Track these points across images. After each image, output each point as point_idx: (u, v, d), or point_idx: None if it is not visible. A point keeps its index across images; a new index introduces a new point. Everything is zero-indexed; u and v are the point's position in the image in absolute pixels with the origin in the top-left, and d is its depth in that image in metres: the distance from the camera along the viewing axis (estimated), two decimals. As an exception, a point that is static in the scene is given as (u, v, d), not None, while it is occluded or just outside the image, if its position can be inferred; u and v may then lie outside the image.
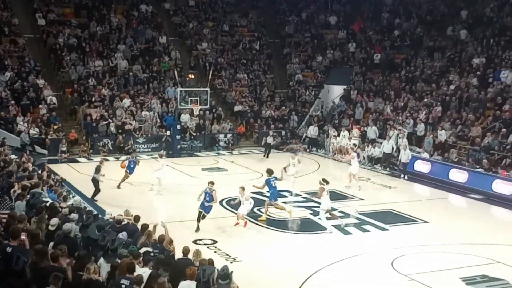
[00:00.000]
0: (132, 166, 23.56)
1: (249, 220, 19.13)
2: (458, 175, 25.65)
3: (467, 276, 15.22)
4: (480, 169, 25.34)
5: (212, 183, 18.41)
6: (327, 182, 19.22)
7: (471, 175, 25.18)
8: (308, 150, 33.63)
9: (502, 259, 16.43)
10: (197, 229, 18.11)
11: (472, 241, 18.20)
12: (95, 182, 21.39)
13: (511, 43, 33.06)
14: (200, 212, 18.19)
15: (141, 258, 11.51)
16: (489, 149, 26.36)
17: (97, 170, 21.44)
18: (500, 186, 23.80)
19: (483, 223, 20.72)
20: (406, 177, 27.05)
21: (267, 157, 30.95)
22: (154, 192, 22.88)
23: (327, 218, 19.01)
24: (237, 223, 18.80)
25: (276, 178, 20.19)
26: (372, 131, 31.13)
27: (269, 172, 20.25)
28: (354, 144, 29.31)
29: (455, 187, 25.23)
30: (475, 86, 31.24)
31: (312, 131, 34.21)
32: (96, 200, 21.08)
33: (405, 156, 26.95)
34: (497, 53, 32.93)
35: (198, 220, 18.17)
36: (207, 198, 18.13)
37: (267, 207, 19.96)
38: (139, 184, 24.24)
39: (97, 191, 21.41)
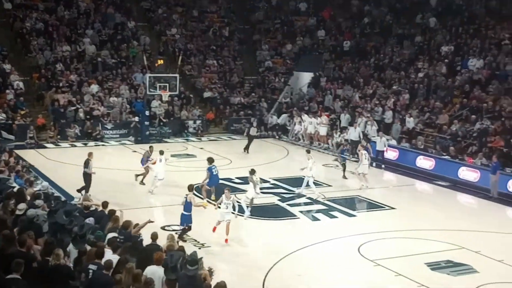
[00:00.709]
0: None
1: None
2: (425, 162, 25.98)
3: (432, 261, 15.46)
4: (446, 156, 25.68)
5: (190, 189, 16.45)
6: (254, 172, 19.28)
7: (438, 162, 25.51)
8: (277, 137, 33.65)
9: (467, 244, 16.72)
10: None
11: (437, 227, 18.46)
12: (87, 176, 19.83)
13: (480, 31, 33.45)
14: (184, 229, 16.23)
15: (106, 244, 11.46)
16: (456, 136, 26.71)
17: (86, 164, 19.86)
18: (466, 173, 24.17)
19: (448, 210, 21.02)
20: (383, 166, 26.81)
21: (248, 151, 29.16)
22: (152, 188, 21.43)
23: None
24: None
25: (215, 167, 20.29)
26: (345, 119, 31.15)
27: (210, 160, 20.43)
28: (345, 140, 28.16)
29: (422, 174, 25.54)
30: (443, 74, 31.56)
31: (281, 118, 34.13)
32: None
33: (380, 144, 26.93)
34: (465, 41, 33.28)
35: (181, 237, 15.91)
36: (185, 207, 16.16)
37: (205, 192, 20.16)
38: (110, 171, 24.06)
39: (87, 186, 19.75)
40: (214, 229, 16.72)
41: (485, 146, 25.13)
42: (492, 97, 28.08)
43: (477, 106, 27.77)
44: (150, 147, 22.71)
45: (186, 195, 16.01)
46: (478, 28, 33.88)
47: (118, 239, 12.09)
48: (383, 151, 26.86)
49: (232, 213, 17.25)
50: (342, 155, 25.00)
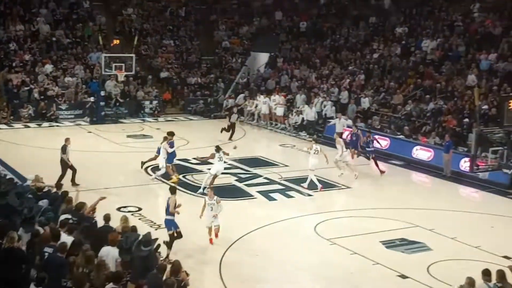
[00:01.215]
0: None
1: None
2: (380, 142, 26.28)
3: (387, 239, 15.74)
4: (401, 136, 26.07)
5: (173, 192, 14.58)
6: (219, 149, 19.44)
7: (393, 141, 25.88)
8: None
9: (420, 223, 17.06)
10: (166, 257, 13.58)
11: (392, 205, 18.79)
12: (64, 164, 18.97)
13: (433, 13, 33.89)
14: (172, 236, 14.09)
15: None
16: (410, 116, 27.14)
17: (63, 150, 19.10)
18: (420, 152, 24.61)
19: (403, 188, 21.42)
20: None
21: (231, 138, 27.54)
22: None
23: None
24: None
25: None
26: (301, 99, 31.25)
27: (171, 134, 20.60)
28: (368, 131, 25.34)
29: (377, 153, 25.82)
30: (397, 54, 31.94)
31: (237, 98, 33.85)
32: (62, 184, 17.96)
33: (339, 125, 27.00)
34: (419, 23, 33.71)
35: (169, 246, 13.96)
36: (167, 211, 14.29)
37: (170, 169, 20.21)
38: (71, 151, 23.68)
39: (63, 175, 18.72)
40: (211, 241, 14.95)
41: (439, 126, 25.59)
42: (445, 77, 28.58)
43: (431, 86, 28.24)
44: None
45: (169, 198, 14.28)
46: (431, 10, 34.33)
47: (71, 221, 11.98)
48: (342, 133, 26.99)
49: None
50: (368, 149, 23.21)
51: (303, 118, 29.79)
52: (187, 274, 10.66)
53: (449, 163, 22.60)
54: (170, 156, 20.27)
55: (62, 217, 12.26)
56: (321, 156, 20.31)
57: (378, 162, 22.96)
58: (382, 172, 22.69)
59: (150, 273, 10.01)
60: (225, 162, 19.94)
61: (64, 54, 34.44)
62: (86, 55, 34.92)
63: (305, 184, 20.11)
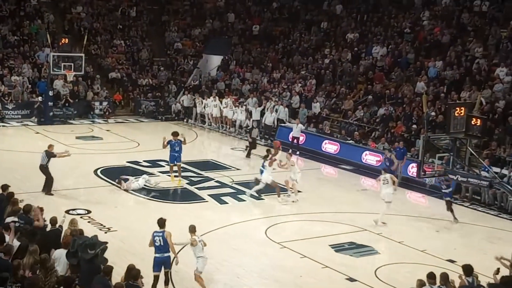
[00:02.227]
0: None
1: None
2: (330, 147, 26.61)
3: (336, 243, 15.94)
4: (351, 141, 26.41)
5: (161, 225, 12.49)
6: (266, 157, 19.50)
7: (343, 146, 26.20)
8: (185, 121, 33.24)
9: (369, 226, 17.34)
10: None
11: (341, 209, 19.02)
12: (45, 170, 18.37)
13: (383, 20, 34.48)
14: (166, 273, 12.41)
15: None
16: (360, 122, 27.53)
17: (50, 156, 18.27)
18: (369, 157, 24.97)
19: (352, 193, 21.68)
20: (298, 152, 26.44)
21: (249, 156, 25.66)
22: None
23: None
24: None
25: (181, 142, 20.69)
26: (252, 103, 31.21)
27: (175, 134, 20.85)
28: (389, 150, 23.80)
29: (327, 158, 26.16)
30: (348, 60, 32.36)
31: (186, 100, 33.52)
32: (52, 194, 18.25)
33: (297, 130, 26.96)
34: (370, 29, 34.24)
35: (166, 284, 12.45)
36: (159, 244, 12.25)
37: (171, 169, 20.74)
38: (11, 153, 23.17)
39: (50, 181, 18.35)
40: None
41: (388, 132, 26.03)
42: (395, 84, 29.11)
43: (380, 92, 28.71)
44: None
45: (161, 232, 12.32)
46: (381, 17, 34.92)
47: (18, 224, 11.73)
48: (298, 137, 27.12)
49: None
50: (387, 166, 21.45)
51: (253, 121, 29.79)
52: (142, 284, 10.61)
53: (400, 169, 22.84)
54: (172, 157, 20.64)
55: (8, 219, 11.99)
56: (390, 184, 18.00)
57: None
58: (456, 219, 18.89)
59: (96, 276, 9.90)
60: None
61: (11, 52, 33.61)
62: (33, 54, 34.18)
63: (379, 220, 17.68)
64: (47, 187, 18.28)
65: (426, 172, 20.09)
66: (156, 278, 12.16)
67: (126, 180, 19.72)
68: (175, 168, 20.88)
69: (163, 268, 12.25)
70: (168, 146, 20.62)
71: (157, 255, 12.19)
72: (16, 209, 12.48)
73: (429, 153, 18.82)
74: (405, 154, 23.01)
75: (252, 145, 25.90)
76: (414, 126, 25.26)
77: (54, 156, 18.17)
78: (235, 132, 30.16)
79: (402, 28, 32.67)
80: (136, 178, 20.01)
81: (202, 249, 12.63)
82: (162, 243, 12.14)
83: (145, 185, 19.88)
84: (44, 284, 9.53)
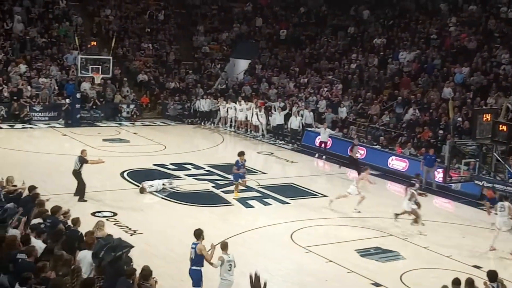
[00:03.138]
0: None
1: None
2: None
3: (362, 248, 15.84)
4: (377, 146, 26.27)
5: (199, 234, 11.85)
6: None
7: (369, 151, 26.05)
8: (203, 124, 33.06)
9: (395, 232, 17.22)
10: None
11: (367, 214, 18.88)
12: (78, 174, 18.19)
13: (410, 25, 34.30)
14: None
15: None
16: (386, 127, 27.39)
17: (83, 162, 18.16)
18: (395, 163, 24.80)
19: (378, 198, 21.51)
20: (324, 157, 26.58)
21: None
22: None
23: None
24: None
25: (245, 161, 19.95)
26: (279, 107, 31.15)
27: (241, 154, 19.95)
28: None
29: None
30: (375, 65, 32.23)
31: (206, 104, 33.27)
32: (86, 200, 18.10)
33: (324, 135, 26.76)
34: (396, 34, 34.07)
35: None
36: (190, 257, 11.74)
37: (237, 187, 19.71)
38: (39, 154, 23.46)
39: (81, 186, 18.24)
40: None
41: (414, 137, 25.85)
42: (421, 89, 28.93)
43: (407, 98, 28.54)
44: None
45: (195, 244, 11.73)
46: (408, 22, 34.76)
47: (43, 225, 11.84)
48: (326, 142, 26.93)
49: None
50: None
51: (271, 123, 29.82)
52: (156, 282, 10.63)
53: (432, 176, 22.36)
54: (236, 176, 19.82)
55: (34, 221, 12.11)
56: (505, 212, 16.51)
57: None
58: None
59: (120, 279, 9.97)
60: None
61: (39, 54, 34.07)
62: (61, 56, 34.57)
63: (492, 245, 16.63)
64: (80, 193, 18.07)
65: (452, 178, 20.03)
66: None
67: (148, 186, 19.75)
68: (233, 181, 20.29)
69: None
70: (235, 167, 19.69)
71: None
72: (42, 210, 12.60)
73: (455, 159, 18.76)
74: (435, 161, 22.72)
75: (354, 164, 24.04)
76: (441, 131, 25.04)
77: (86, 162, 18.06)
78: (260, 137, 30.14)
79: (429, 34, 32.49)
80: (155, 181, 20.10)
81: (228, 271, 11.44)
82: (193, 256, 11.57)
83: (163, 185, 19.97)
84: (72, 287, 9.59)
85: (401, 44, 32.79)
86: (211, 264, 11.42)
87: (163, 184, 19.94)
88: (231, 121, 31.71)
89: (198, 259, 11.51)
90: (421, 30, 33.36)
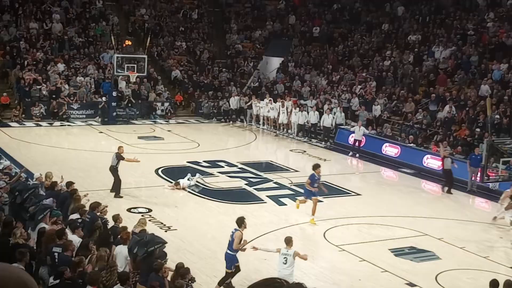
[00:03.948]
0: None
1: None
2: (390, 150, 26.26)
3: (396, 247, 15.72)
4: (412, 144, 25.99)
5: (240, 222, 12.76)
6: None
7: (403, 150, 25.80)
8: (232, 122, 33.11)
9: (430, 231, 17.02)
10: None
11: (402, 213, 18.73)
12: (114, 170, 18.37)
13: (446, 21, 33.85)
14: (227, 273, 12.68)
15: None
16: (421, 124, 27.08)
17: (119, 159, 18.28)
18: (430, 161, 24.51)
19: (413, 197, 21.34)
20: (357, 155, 26.41)
21: (450, 191, 21.74)
22: None
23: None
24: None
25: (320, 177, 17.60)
26: (311, 105, 31.04)
27: (316, 166, 17.63)
28: None
29: (387, 161, 25.83)
30: (410, 62, 31.89)
31: (234, 102, 33.28)
32: (122, 197, 18.31)
33: (359, 133, 26.56)
34: (432, 31, 33.66)
35: (221, 283, 12.64)
36: (229, 244, 12.66)
37: (315, 205, 17.31)
38: (77, 152, 23.85)
39: (117, 182, 18.44)
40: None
41: (450, 135, 25.51)
42: (457, 86, 28.52)
43: (442, 95, 28.18)
44: None
45: (235, 229, 12.69)
46: (444, 18, 34.30)
47: (80, 220, 12.06)
48: (360, 141, 26.68)
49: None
50: None
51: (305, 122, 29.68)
52: (194, 280, 10.77)
53: (476, 177, 21.52)
54: (309, 193, 17.57)
55: (72, 216, 12.34)
56: None
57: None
58: None
59: (151, 274, 10.12)
60: None
61: (76, 53, 34.62)
62: (98, 55, 35.07)
63: None
64: (116, 189, 18.30)
65: (490, 177, 19.72)
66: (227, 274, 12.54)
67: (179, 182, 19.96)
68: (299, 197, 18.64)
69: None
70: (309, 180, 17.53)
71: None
72: (79, 205, 12.84)
73: (493, 158, 18.45)
74: (480, 162, 22.14)
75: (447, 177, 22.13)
76: (478, 129, 24.64)
77: (123, 158, 18.25)
78: (292, 134, 30.09)
79: (466, 30, 32.00)
80: (188, 177, 20.27)
81: (282, 263, 12.08)
82: (231, 240, 12.48)
83: (197, 181, 20.12)
84: (107, 281, 9.75)
85: (436, 41, 32.37)
86: (238, 249, 12.43)
87: (195, 180, 20.12)
88: (263, 119, 31.73)
89: (232, 244, 12.39)
90: (458, 26, 32.88)
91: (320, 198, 17.79)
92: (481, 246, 16.23)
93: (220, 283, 12.55)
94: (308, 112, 29.84)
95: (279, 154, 27.33)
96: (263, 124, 31.70)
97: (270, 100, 31.56)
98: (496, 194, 20.89)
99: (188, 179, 20.04)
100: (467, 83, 28.55)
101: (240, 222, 12.55)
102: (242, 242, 12.38)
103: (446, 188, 21.74)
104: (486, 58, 29.52)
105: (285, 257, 12.06)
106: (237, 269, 12.65)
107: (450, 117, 26.34)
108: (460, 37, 31.77)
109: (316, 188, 17.32)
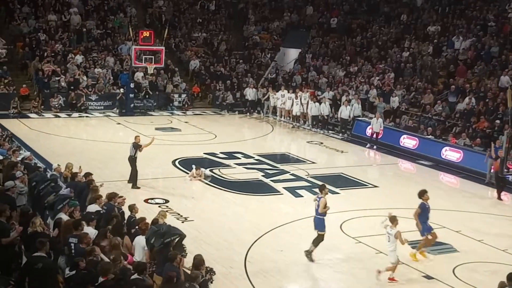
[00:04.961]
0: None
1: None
2: (408, 141, 26.08)
3: (413, 240, 15.56)
4: (430, 136, 25.79)
5: (322, 189, 14.31)
6: None
7: (421, 141, 25.61)
8: (249, 113, 33.14)
9: (447, 224, 16.86)
10: (309, 255, 14.01)
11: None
12: (132, 160, 18.53)
13: (466, 12, 33.48)
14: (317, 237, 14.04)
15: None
16: (439, 116, 26.85)
17: (136, 148, 18.44)
18: (449, 153, 24.31)
19: (431, 189, 20.99)
20: (375, 147, 26.34)
21: (499, 197, 20.19)
22: None
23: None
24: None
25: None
26: (329, 96, 30.91)
27: (423, 193, 15.35)
28: None
29: (405, 153, 25.67)
30: (429, 53, 31.60)
31: (251, 94, 33.19)
32: (139, 187, 18.47)
33: (377, 125, 26.36)
34: (452, 21, 33.31)
35: (315, 244, 14.00)
36: (317, 208, 14.13)
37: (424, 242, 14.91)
38: (95, 142, 23.98)
39: (134, 172, 18.58)
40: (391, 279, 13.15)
41: (469, 127, 25.26)
42: (477, 78, 28.22)
43: (462, 87, 27.90)
44: None
45: (319, 197, 14.09)
46: (464, 9, 33.92)
47: (98, 211, 12.12)
48: (378, 133, 26.47)
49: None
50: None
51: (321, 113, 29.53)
52: (213, 272, 10.85)
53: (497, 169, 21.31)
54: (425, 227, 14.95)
55: (90, 207, 12.41)
56: None
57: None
58: None
59: (166, 264, 10.15)
60: None
61: (95, 45, 34.77)
62: (116, 47, 35.19)
63: None
64: (133, 180, 18.39)
65: (510, 169, 19.48)
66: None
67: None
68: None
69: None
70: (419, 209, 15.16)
71: None
72: (96, 196, 12.91)
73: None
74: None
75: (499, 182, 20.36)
76: (498, 121, 24.36)
77: (140, 147, 18.31)
78: (309, 126, 29.95)
79: (486, 21, 31.62)
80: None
81: (387, 241, 13.30)
82: (317, 207, 13.96)
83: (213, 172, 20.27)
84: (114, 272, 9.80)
85: (456, 32, 32.02)
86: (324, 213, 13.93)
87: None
88: (281, 111, 31.63)
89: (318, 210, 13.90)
90: (478, 17, 32.51)
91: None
92: (499, 238, 16.06)
93: (314, 243, 13.91)
94: (320, 104, 29.68)
95: (295, 146, 27.26)
96: (281, 116, 31.60)
97: (285, 91, 31.41)
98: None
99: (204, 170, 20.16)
100: (487, 74, 28.24)
101: (321, 189, 14.19)
102: (326, 207, 13.82)
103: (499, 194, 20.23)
104: (506, 49, 29.18)
105: (388, 236, 13.27)
106: (321, 236, 13.95)
107: (469, 109, 26.08)
108: (480, 28, 31.44)
109: (427, 227, 14.86)
